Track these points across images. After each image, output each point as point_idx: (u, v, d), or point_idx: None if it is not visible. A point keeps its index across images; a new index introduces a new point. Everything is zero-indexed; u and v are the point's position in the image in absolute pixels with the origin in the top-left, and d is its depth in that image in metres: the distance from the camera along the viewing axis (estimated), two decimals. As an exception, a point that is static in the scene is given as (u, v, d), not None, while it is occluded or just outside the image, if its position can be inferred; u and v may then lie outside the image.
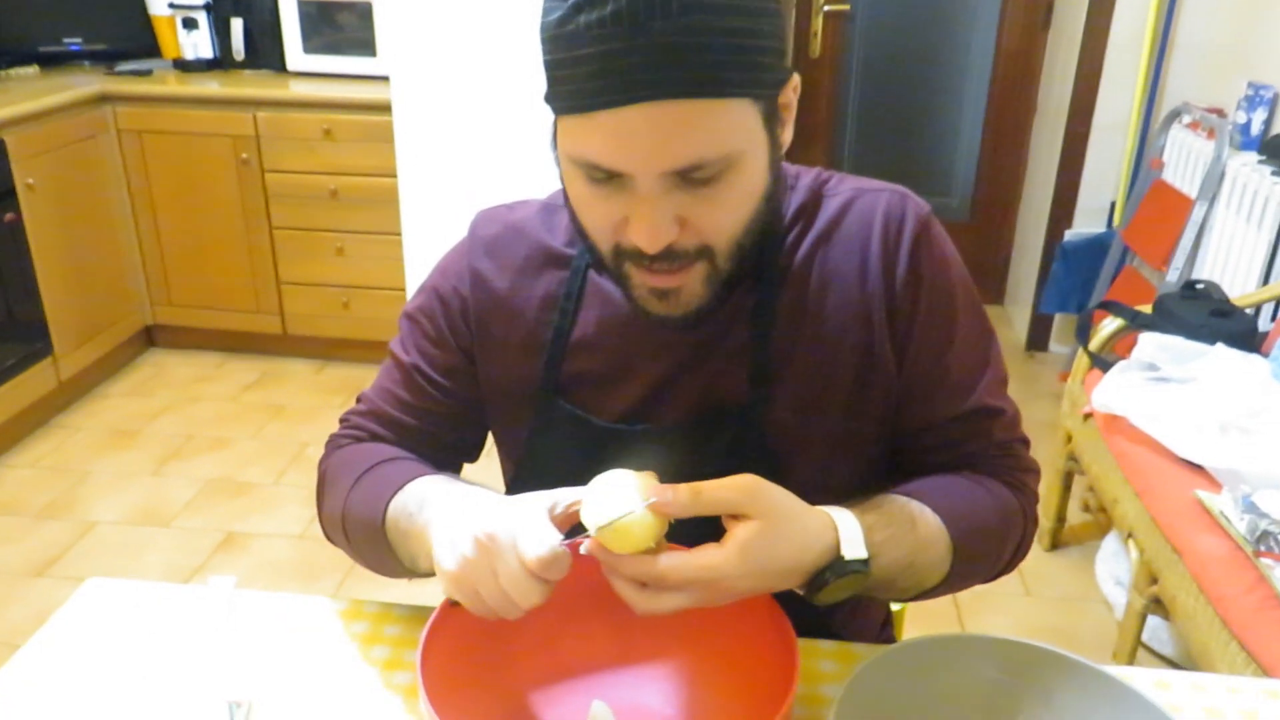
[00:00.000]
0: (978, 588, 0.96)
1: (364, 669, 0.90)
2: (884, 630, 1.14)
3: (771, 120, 0.78)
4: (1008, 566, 0.96)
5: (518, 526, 0.72)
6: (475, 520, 0.73)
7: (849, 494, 0.85)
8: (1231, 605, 1.56)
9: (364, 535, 0.91)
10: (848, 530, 0.77)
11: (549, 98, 0.77)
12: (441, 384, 0.98)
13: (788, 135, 0.82)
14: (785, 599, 0.80)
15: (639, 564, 0.71)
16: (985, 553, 0.91)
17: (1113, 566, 2.26)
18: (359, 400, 1.03)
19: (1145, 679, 0.89)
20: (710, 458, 0.92)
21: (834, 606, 1.02)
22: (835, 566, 0.76)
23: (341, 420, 1.04)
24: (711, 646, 0.85)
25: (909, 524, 0.84)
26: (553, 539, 0.71)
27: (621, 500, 0.71)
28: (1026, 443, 0.98)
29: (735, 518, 0.74)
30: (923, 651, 0.77)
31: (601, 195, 0.78)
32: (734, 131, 0.75)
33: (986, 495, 0.91)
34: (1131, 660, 1.97)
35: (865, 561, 0.77)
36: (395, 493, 0.87)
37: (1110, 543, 2.31)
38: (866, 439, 0.93)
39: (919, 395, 0.91)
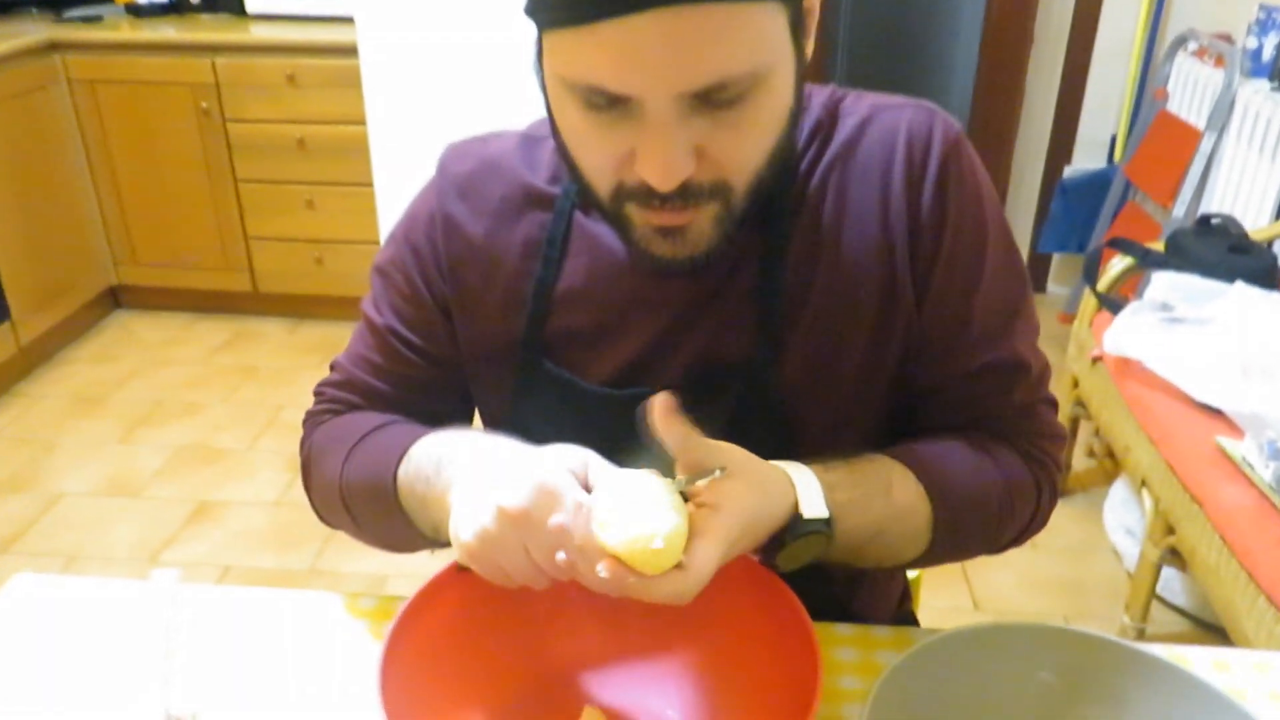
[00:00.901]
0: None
1: (326, 674, 0.80)
2: (902, 605, 1.04)
3: (798, 29, 0.67)
4: (1013, 542, 0.87)
5: (553, 499, 0.62)
6: (500, 491, 0.63)
7: (876, 447, 0.77)
8: (1259, 559, 1.47)
9: (371, 508, 0.82)
10: (806, 488, 0.69)
11: (533, 8, 0.65)
12: (418, 346, 0.87)
13: (810, 48, 0.70)
14: (792, 576, 0.71)
15: (673, 583, 0.60)
16: (977, 528, 0.82)
17: (1122, 516, 2.18)
18: (333, 368, 0.92)
19: (1202, 660, 0.80)
20: (711, 424, 0.81)
21: (848, 584, 0.93)
22: (792, 526, 0.68)
23: (316, 394, 0.93)
24: (719, 641, 0.75)
25: (882, 488, 0.75)
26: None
27: (645, 510, 0.60)
28: (1053, 404, 0.87)
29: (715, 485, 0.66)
30: (961, 644, 0.67)
31: (602, 125, 0.66)
32: (761, 42, 0.63)
33: (990, 465, 0.81)
34: (1145, 614, 1.89)
35: (826, 522, 0.69)
36: (402, 456, 0.78)
37: (1119, 491, 2.23)
38: (881, 396, 0.82)
39: (937, 344, 0.80)
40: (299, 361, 3.04)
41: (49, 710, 0.76)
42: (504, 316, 0.84)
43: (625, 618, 0.76)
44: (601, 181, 0.70)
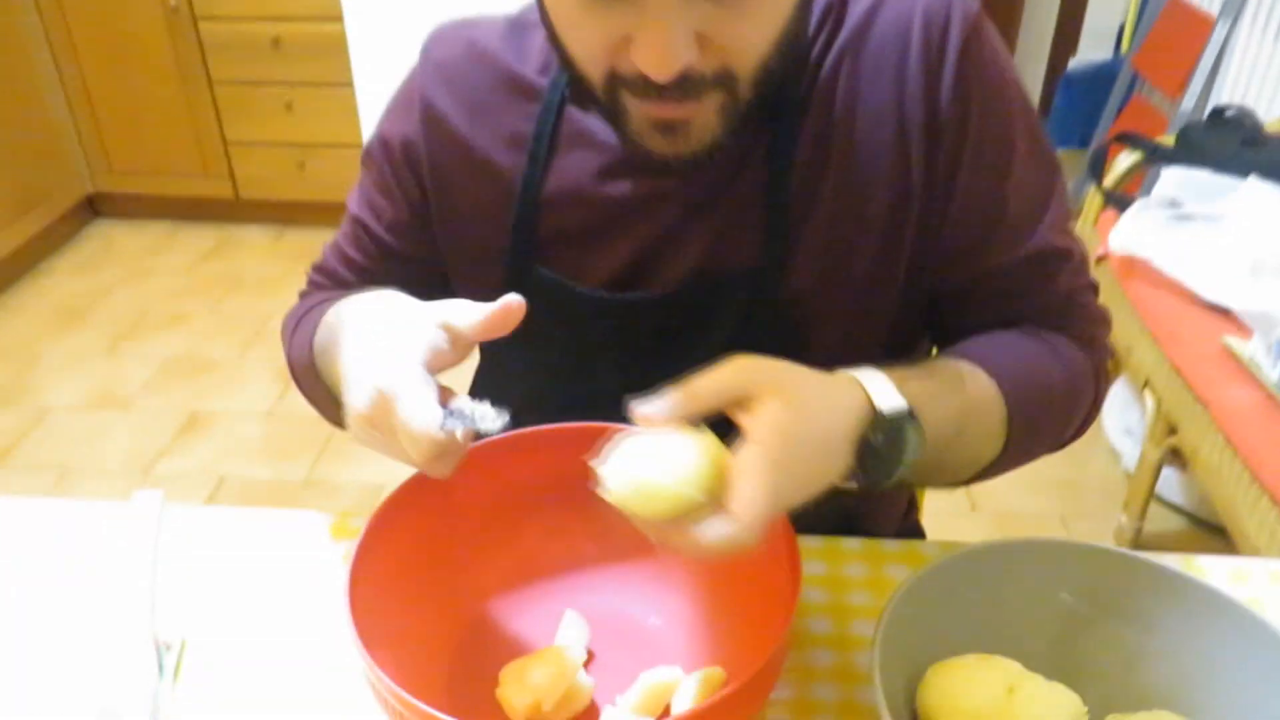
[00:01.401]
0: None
1: (316, 597, 0.77)
2: (908, 517, 1.02)
3: None
4: (1076, 434, 0.82)
5: (399, 395, 0.55)
6: (349, 394, 0.58)
7: (886, 359, 0.70)
8: (1264, 459, 1.46)
9: (309, 386, 0.81)
10: (874, 383, 0.60)
11: None
12: (387, 243, 0.84)
13: None
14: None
15: (719, 529, 0.52)
16: (1049, 419, 0.77)
17: (1122, 415, 2.17)
18: (323, 254, 0.90)
19: (1219, 569, 0.78)
20: (715, 333, 0.77)
21: (861, 500, 0.90)
22: (878, 424, 0.58)
23: (307, 274, 0.91)
24: None
25: (955, 381, 0.68)
26: (431, 424, 0.54)
27: (651, 452, 0.54)
28: (1095, 289, 0.82)
29: (744, 410, 0.56)
30: (976, 562, 0.64)
31: (595, 8, 0.61)
32: None
33: (1050, 353, 0.77)
34: (1143, 514, 1.89)
35: (910, 414, 0.59)
36: (316, 327, 0.76)
37: (1120, 391, 2.21)
38: (893, 303, 0.78)
39: (972, 238, 0.75)
40: (285, 270, 2.98)
41: (30, 637, 0.74)
42: (489, 216, 0.79)
43: (606, 523, 0.73)
44: (593, 69, 0.65)
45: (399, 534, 0.68)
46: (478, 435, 0.59)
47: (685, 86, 0.61)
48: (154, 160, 3.08)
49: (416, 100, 0.80)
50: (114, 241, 3.16)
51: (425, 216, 0.82)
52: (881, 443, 0.59)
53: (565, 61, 0.67)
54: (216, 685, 0.70)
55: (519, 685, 0.64)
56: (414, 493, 0.70)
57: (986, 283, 0.77)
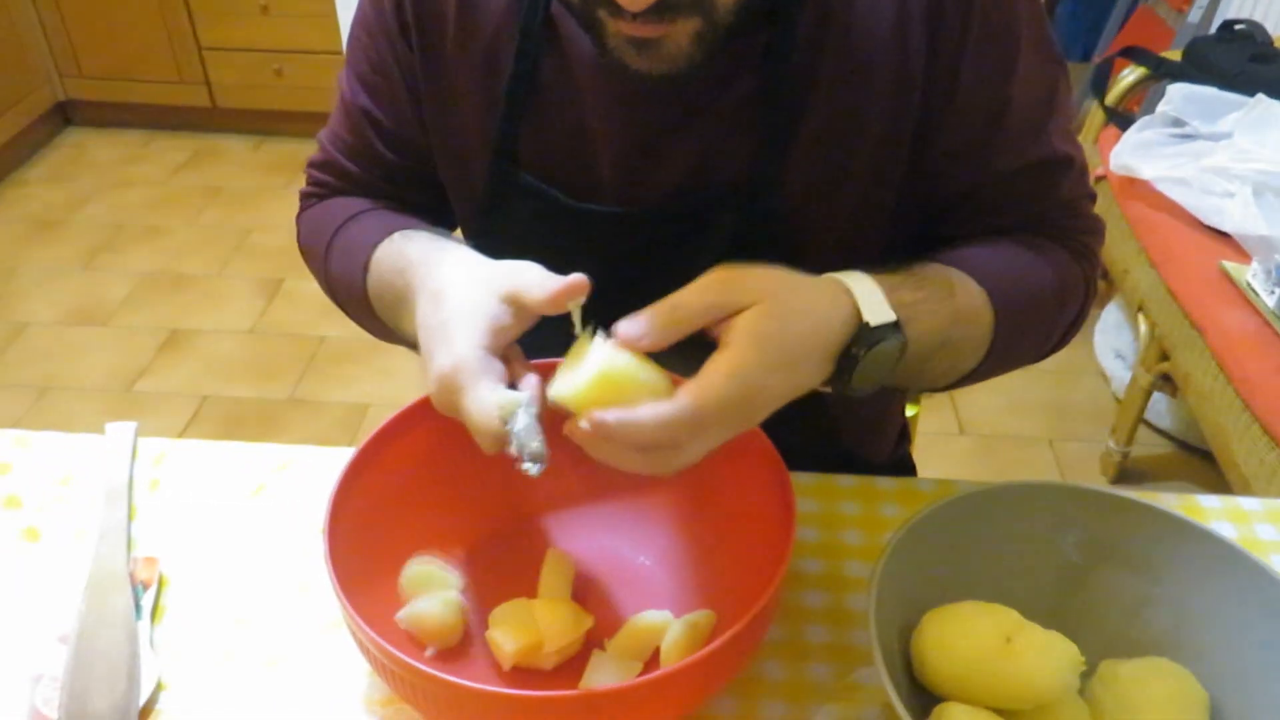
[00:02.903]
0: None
1: (301, 533, 0.75)
2: (899, 446, 1.00)
3: None
4: (1059, 344, 0.80)
5: (462, 388, 0.57)
6: (427, 366, 0.60)
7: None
8: (1256, 386, 1.45)
9: (358, 310, 0.79)
10: (865, 292, 0.60)
11: None
12: (385, 126, 0.80)
13: None
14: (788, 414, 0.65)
15: (658, 415, 0.51)
16: (1035, 331, 0.76)
17: (1114, 339, 2.16)
18: (318, 145, 0.86)
19: (1220, 510, 0.76)
20: (706, 248, 0.74)
21: (848, 419, 0.88)
22: (862, 336, 0.58)
23: (306, 172, 0.88)
24: (693, 485, 0.70)
25: (945, 290, 0.66)
26: (489, 424, 0.56)
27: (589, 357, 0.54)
28: (1093, 198, 0.81)
29: (726, 321, 0.55)
30: (975, 505, 0.63)
31: None
32: None
33: (1042, 262, 0.75)
34: (1131, 438, 1.89)
35: (896, 326, 0.59)
36: (367, 264, 0.75)
37: (1112, 313, 2.20)
38: (889, 210, 0.75)
39: (975, 138, 0.72)
40: (265, 182, 2.90)
41: (8, 571, 0.72)
42: (475, 108, 0.75)
43: (595, 463, 0.71)
44: None
45: (381, 474, 0.66)
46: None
47: (660, 10, 0.58)
48: (126, 66, 2.97)
49: None
50: (87, 151, 3.07)
51: (416, 95, 0.78)
52: (864, 354, 0.59)
53: None
54: (199, 625, 0.69)
55: (516, 629, 0.63)
56: (399, 429, 0.68)
57: (986, 186, 0.74)
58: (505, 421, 0.56)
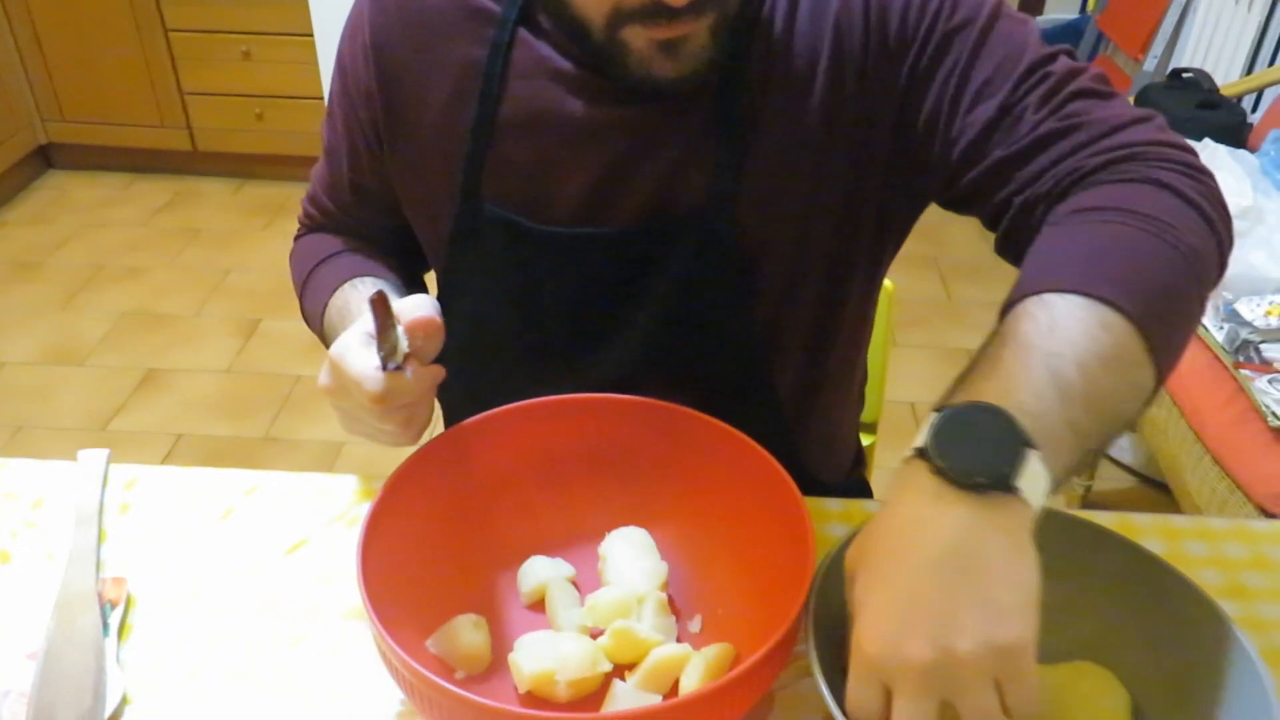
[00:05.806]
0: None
1: (268, 555, 0.77)
2: (854, 470, 1.03)
3: None
4: (1218, 274, 0.68)
5: (344, 355, 0.64)
6: (331, 350, 0.66)
7: (827, 293, 0.78)
8: (1207, 419, 1.49)
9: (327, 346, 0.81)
10: (926, 430, 0.54)
11: None
12: (349, 177, 0.87)
13: None
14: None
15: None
16: (1177, 311, 0.61)
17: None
18: (310, 181, 0.93)
19: (1151, 527, 0.80)
20: (665, 275, 0.77)
21: (809, 446, 0.90)
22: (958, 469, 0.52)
23: (301, 204, 0.95)
24: (706, 514, 0.73)
25: (1064, 376, 0.54)
26: (369, 363, 0.63)
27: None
28: (1146, 120, 0.69)
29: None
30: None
31: None
32: None
33: (1123, 219, 0.61)
34: (1094, 472, 1.93)
35: (991, 408, 0.51)
36: (327, 306, 0.83)
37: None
38: (836, 210, 0.76)
39: (951, 77, 0.70)
40: (244, 223, 2.93)
41: (-24, 596, 0.74)
42: (440, 147, 0.79)
43: (608, 491, 0.75)
44: (597, 12, 0.66)
45: (411, 504, 0.68)
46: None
47: (697, 7, 0.64)
48: (108, 110, 3.01)
49: (363, 26, 0.80)
50: (68, 193, 3.09)
51: (376, 151, 0.83)
52: (1010, 471, 0.53)
53: (559, 10, 0.68)
54: (165, 643, 0.70)
55: (536, 658, 0.64)
56: (426, 461, 0.70)
57: (998, 122, 0.68)
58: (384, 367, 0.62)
